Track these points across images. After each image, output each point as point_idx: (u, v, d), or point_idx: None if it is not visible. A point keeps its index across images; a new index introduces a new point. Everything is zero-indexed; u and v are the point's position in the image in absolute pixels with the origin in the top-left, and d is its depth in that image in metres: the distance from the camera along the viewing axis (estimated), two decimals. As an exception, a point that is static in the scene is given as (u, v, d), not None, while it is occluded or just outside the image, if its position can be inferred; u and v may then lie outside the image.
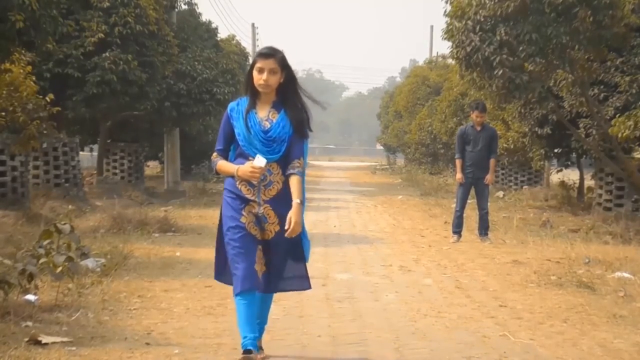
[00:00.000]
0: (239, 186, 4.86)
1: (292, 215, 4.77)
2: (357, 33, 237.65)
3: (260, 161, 4.71)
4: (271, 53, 4.85)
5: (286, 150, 4.85)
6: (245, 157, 4.85)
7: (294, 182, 4.86)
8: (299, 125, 4.87)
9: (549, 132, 16.01)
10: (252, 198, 4.85)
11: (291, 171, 4.87)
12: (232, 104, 4.99)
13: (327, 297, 7.41)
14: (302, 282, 5.14)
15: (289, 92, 4.92)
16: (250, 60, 5.02)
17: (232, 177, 4.86)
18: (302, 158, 4.90)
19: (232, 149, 4.99)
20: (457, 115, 28.74)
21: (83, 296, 6.85)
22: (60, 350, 5.12)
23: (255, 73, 4.84)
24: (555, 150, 17.73)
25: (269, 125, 4.84)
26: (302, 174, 4.89)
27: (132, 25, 16.24)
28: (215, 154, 4.97)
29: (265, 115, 4.87)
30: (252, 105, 4.90)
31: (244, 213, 4.83)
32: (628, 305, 7.11)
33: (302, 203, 4.83)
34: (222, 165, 4.92)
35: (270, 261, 4.94)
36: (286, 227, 4.78)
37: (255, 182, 4.78)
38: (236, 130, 4.88)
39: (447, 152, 32.65)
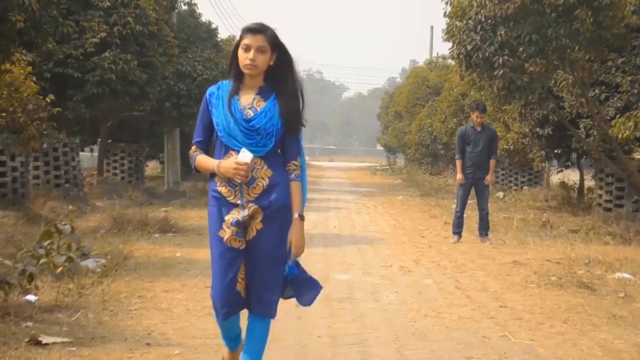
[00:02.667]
0: (219, 187, 4.12)
1: (292, 234, 4.11)
2: (357, 34, 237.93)
3: (245, 156, 3.98)
4: (260, 29, 4.06)
5: (275, 147, 4.10)
6: (226, 149, 4.11)
7: (293, 190, 4.14)
8: (291, 118, 4.11)
9: (550, 132, 16.02)
10: (235, 201, 4.09)
11: (292, 177, 4.15)
12: (211, 88, 4.22)
13: (327, 297, 7.40)
14: (268, 306, 4.13)
15: (280, 77, 4.14)
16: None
17: (213, 174, 4.16)
18: (299, 158, 4.18)
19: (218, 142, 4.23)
20: (457, 116, 28.75)
21: (83, 296, 6.85)
22: (60, 351, 5.12)
23: (240, 51, 4.07)
24: (556, 151, 17.73)
25: (252, 114, 4.07)
26: (300, 178, 4.17)
27: (132, 26, 16.26)
28: (193, 147, 4.22)
29: (249, 103, 4.11)
30: (235, 90, 4.14)
31: (224, 227, 4.10)
32: (628, 305, 7.11)
33: (302, 217, 4.14)
34: (202, 160, 4.18)
35: (252, 269, 4.13)
36: (292, 253, 4.14)
37: (239, 181, 4.03)
38: (214, 119, 4.11)
39: (447, 152, 32.66)
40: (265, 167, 4.08)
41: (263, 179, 4.08)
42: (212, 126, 4.15)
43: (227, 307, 4.09)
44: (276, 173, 4.10)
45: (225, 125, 4.07)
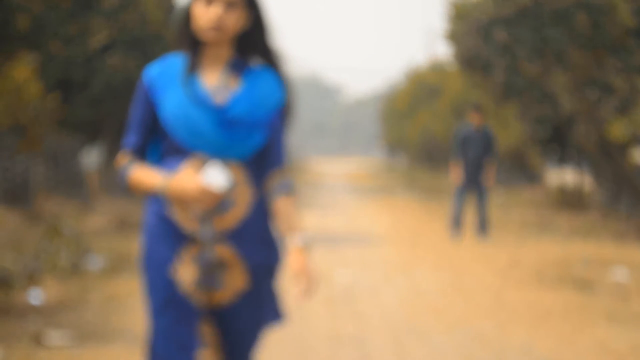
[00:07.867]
0: (173, 211, 2.70)
1: (296, 266, 2.69)
2: (357, 35, 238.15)
3: (216, 177, 2.60)
4: None
5: (262, 146, 2.75)
6: (182, 154, 2.71)
7: (285, 210, 2.72)
8: (290, 101, 2.83)
9: (547, 132, 16.09)
10: (192, 229, 2.69)
11: (278, 191, 2.73)
12: (154, 67, 2.79)
13: (327, 297, 7.46)
14: None
15: (258, 46, 2.80)
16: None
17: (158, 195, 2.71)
18: (285, 164, 2.79)
19: (153, 148, 2.81)
20: (456, 117, 28.81)
21: (86, 296, 6.90)
22: (63, 350, 5.17)
23: (199, 7, 2.68)
24: (553, 151, 17.79)
25: (224, 99, 2.71)
26: (292, 190, 2.76)
27: (135, 28, 16.32)
28: (124, 154, 2.78)
29: (216, 83, 2.73)
30: (193, 67, 2.74)
31: (177, 267, 2.70)
32: (625, 304, 7.17)
33: (306, 244, 2.74)
34: (140, 175, 2.71)
35: (229, 340, 2.78)
36: (298, 288, 2.70)
37: (201, 209, 2.66)
38: (166, 110, 2.71)
39: (447, 153, 32.72)
40: (246, 183, 2.73)
41: (242, 203, 2.71)
42: (153, 122, 2.76)
43: None
44: (259, 198, 2.76)
45: (184, 118, 2.68)
